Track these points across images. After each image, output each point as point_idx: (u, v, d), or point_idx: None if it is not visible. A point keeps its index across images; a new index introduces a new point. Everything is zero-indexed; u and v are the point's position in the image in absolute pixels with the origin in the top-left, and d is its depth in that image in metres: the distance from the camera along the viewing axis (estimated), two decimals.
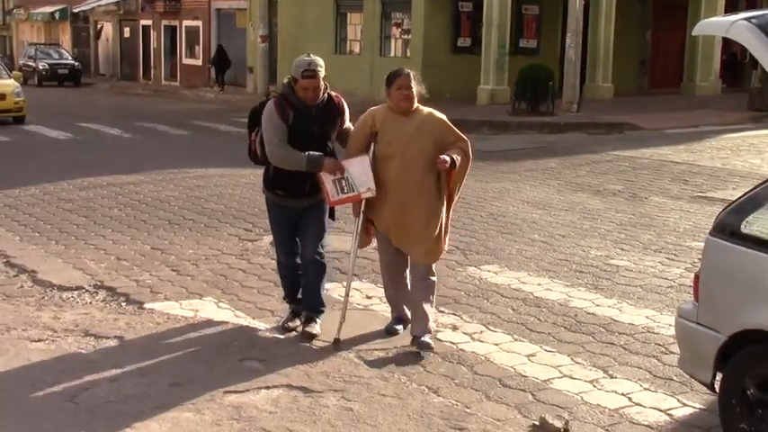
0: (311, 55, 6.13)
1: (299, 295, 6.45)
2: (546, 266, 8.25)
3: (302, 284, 6.43)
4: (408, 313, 6.28)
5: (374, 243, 6.34)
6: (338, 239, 8.43)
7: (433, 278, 6.19)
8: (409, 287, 6.23)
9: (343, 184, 6.04)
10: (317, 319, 6.32)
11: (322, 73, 6.05)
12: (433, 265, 6.20)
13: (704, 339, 4.57)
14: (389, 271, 6.30)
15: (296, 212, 6.29)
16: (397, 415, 4.92)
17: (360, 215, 6.12)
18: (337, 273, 7.67)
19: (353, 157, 6.07)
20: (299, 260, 6.39)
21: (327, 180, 6.05)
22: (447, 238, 6.18)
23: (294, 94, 6.09)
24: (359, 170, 6.00)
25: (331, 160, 6.08)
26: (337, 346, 6.01)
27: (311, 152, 6.03)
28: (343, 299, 6.28)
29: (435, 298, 6.27)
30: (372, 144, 6.08)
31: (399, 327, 6.34)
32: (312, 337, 6.17)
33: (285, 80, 6.30)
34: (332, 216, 6.43)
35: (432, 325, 6.11)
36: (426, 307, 6.07)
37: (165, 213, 10.65)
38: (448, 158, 5.91)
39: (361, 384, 5.30)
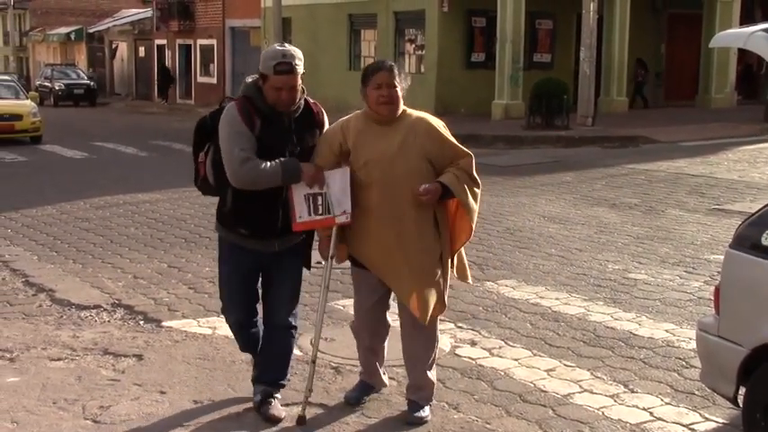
0: (286, 44, 4.77)
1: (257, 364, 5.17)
2: (563, 281, 8.22)
3: (265, 353, 5.04)
4: (385, 379, 5.27)
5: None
6: None
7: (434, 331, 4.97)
8: (402, 339, 5.04)
9: (319, 202, 4.66)
10: (277, 395, 5.06)
11: (300, 69, 4.59)
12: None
13: (726, 353, 4.54)
14: (367, 318, 4.99)
15: (262, 258, 4.83)
16: (418, 431, 4.90)
17: (329, 259, 4.80)
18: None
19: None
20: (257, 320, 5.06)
21: (299, 193, 4.65)
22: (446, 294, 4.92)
23: (262, 96, 4.63)
24: (339, 186, 4.65)
25: (311, 167, 4.64)
26: (302, 422, 4.88)
27: (283, 159, 4.60)
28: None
29: (436, 356, 5.09)
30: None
31: (362, 395, 5.19)
32: (279, 420, 4.91)
33: (249, 79, 4.78)
34: (307, 265, 5.02)
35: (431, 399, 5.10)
36: (429, 372, 5.02)
37: (182, 231, 10.68)
38: (433, 187, 4.59)
39: (381, 401, 5.27)
